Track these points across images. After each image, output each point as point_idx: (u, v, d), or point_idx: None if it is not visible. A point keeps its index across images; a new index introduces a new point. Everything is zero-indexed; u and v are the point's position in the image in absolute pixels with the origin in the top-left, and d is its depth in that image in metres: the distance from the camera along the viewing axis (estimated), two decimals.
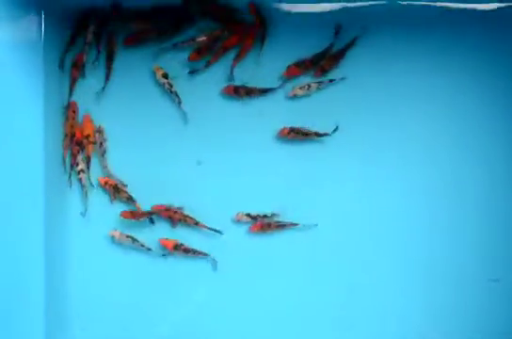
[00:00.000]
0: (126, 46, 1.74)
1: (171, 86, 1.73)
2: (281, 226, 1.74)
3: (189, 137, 1.75)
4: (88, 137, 1.76)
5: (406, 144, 1.74)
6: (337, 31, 1.72)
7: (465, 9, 1.73)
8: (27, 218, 1.65)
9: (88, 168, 1.77)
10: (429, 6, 1.73)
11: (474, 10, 1.73)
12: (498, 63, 1.74)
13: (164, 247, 1.74)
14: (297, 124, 1.72)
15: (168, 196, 1.74)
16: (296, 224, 1.74)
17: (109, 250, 1.76)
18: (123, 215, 1.73)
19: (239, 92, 1.72)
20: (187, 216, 1.74)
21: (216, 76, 1.75)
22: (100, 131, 1.77)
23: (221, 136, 1.75)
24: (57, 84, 1.75)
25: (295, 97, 1.73)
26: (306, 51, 1.72)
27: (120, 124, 1.76)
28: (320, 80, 1.73)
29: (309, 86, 1.72)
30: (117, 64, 1.75)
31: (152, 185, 1.75)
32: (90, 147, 1.77)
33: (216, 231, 1.74)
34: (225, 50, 1.74)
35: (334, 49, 1.73)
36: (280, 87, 1.73)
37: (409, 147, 1.74)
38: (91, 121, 1.77)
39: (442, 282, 1.74)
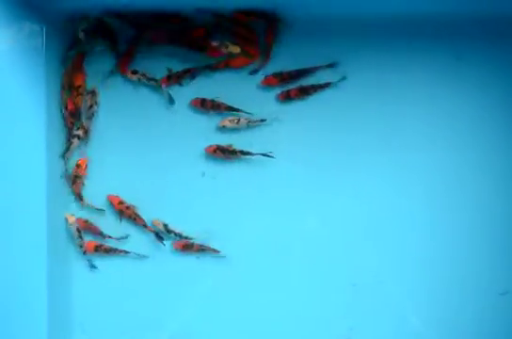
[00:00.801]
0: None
1: (145, 75, 1.76)
2: (203, 250, 1.77)
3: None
4: (78, 87, 1.75)
5: (405, 153, 1.77)
6: (331, 65, 1.76)
7: (469, 19, 1.73)
8: (29, 222, 1.65)
9: (79, 119, 1.75)
10: (433, 16, 1.73)
11: (479, 20, 1.73)
12: (504, 74, 1.76)
13: (86, 249, 1.77)
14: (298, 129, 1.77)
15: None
16: (217, 251, 1.76)
17: (111, 256, 1.78)
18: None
19: (206, 106, 1.75)
20: (138, 215, 1.77)
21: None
22: (93, 93, 1.77)
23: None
24: (59, 93, 1.76)
25: (223, 128, 1.76)
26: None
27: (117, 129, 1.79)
28: (253, 118, 1.75)
29: (238, 120, 1.75)
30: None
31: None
32: (80, 99, 1.76)
33: (159, 238, 1.77)
34: (226, 66, 1.77)
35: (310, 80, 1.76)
36: (243, 111, 1.75)
37: (409, 156, 1.76)
38: (84, 72, 1.77)
39: (448, 295, 1.75)
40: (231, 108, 1.77)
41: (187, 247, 1.77)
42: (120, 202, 1.77)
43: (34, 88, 1.66)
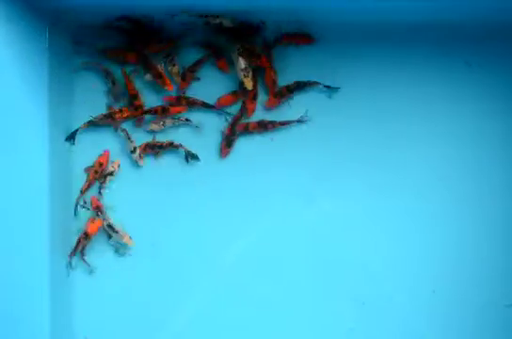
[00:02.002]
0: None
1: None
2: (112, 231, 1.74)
3: None
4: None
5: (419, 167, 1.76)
6: (328, 87, 1.75)
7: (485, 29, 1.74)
8: (31, 223, 1.63)
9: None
10: (444, 25, 1.74)
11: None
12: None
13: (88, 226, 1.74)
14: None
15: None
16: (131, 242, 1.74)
17: (113, 258, 1.76)
18: None
19: (180, 103, 1.73)
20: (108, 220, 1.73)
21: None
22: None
23: None
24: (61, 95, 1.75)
25: (152, 131, 1.75)
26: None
27: None
28: (176, 117, 1.75)
29: (164, 122, 1.74)
30: None
31: None
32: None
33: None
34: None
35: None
36: (215, 108, 1.75)
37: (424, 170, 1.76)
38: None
39: (457, 307, 1.73)
40: (206, 105, 1.75)
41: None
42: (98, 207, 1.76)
43: (37, 89, 1.65)
